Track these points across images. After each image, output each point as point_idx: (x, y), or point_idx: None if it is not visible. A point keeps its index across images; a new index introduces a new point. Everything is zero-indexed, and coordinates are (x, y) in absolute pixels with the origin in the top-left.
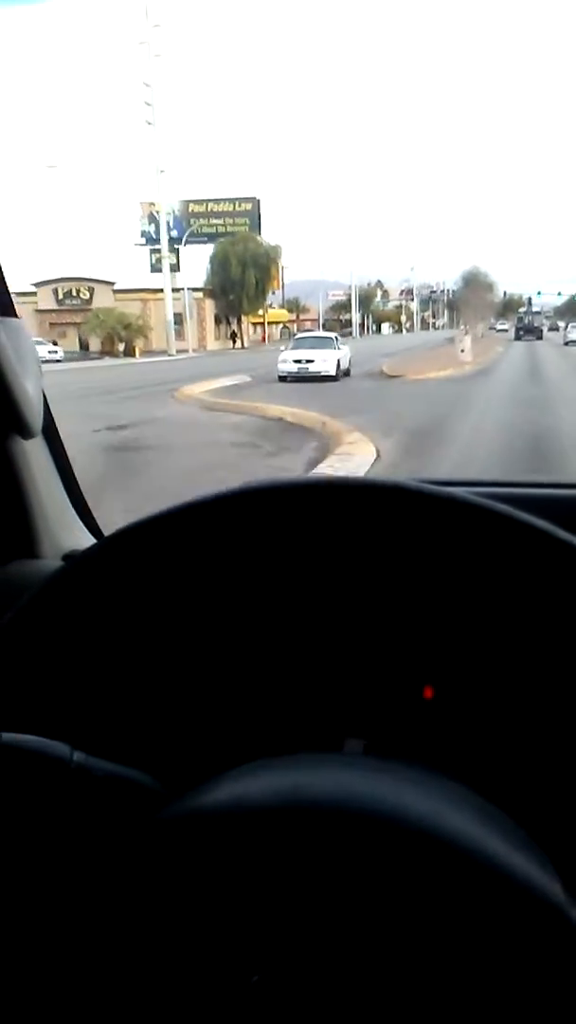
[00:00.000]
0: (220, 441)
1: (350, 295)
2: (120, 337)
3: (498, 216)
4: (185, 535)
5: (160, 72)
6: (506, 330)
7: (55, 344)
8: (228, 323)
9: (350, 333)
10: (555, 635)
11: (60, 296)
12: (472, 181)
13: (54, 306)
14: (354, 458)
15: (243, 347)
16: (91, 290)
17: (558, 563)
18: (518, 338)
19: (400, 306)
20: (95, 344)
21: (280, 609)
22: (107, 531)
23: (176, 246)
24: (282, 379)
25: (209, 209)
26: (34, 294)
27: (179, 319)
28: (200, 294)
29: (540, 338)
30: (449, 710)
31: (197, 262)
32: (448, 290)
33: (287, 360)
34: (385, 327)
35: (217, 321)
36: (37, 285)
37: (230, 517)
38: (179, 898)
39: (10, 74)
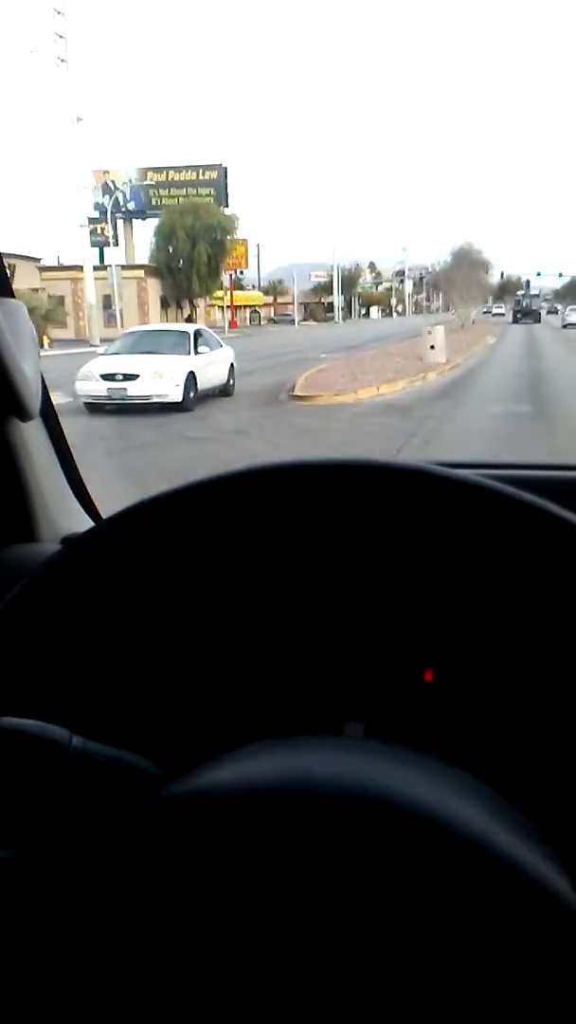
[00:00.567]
0: None
1: (332, 276)
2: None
3: (498, 195)
4: (183, 518)
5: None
6: (503, 314)
7: None
8: (179, 307)
9: (332, 317)
10: (557, 618)
11: None
12: (471, 159)
13: None
14: None
15: None
16: (12, 267)
17: (562, 544)
18: (515, 321)
19: (391, 288)
20: None
21: (280, 592)
22: (105, 514)
23: (135, 220)
24: (90, 409)
25: (170, 178)
26: None
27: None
28: (142, 272)
29: (538, 321)
30: (449, 694)
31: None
32: (434, 266)
33: (91, 376)
34: (376, 311)
35: (165, 304)
36: None
37: (227, 500)
38: (179, 880)
39: None
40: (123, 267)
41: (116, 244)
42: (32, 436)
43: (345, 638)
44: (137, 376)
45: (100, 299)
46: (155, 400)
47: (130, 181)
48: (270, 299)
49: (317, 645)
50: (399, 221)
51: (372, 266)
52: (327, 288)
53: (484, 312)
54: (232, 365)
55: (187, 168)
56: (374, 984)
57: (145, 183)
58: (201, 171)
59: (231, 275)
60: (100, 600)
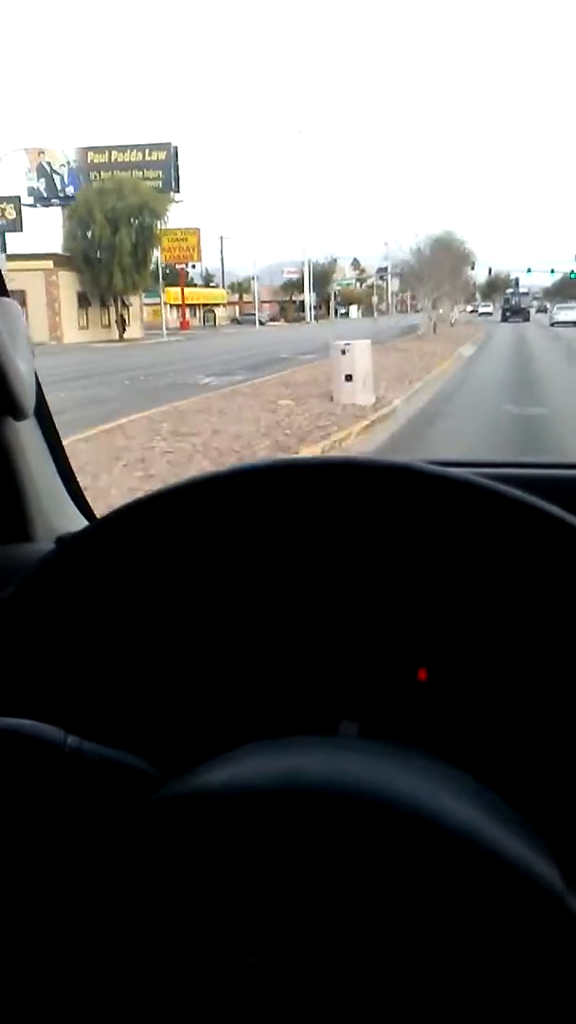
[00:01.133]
0: None
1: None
2: None
3: (487, 191)
4: (176, 518)
5: None
6: (490, 313)
7: None
8: (104, 305)
9: (303, 318)
10: (549, 616)
11: None
12: (462, 152)
13: None
14: None
15: (121, 338)
16: None
17: (554, 542)
18: (504, 319)
19: (372, 285)
20: None
21: (274, 591)
22: (100, 513)
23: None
24: None
25: (113, 159)
26: None
27: (23, 299)
28: (50, 263)
29: (527, 320)
30: (443, 693)
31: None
32: (415, 256)
33: None
34: (355, 310)
35: (84, 302)
36: None
37: (220, 499)
38: (175, 879)
39: None
40: (24, 257)
41: (20, 229)
42: (26, 435)
43: (340, 637)
44: None
45: None
46: None
47: (68, 163)
48: (236, 297)
49: (312, 644)
50: (386, 218)
51: (356, 263)
52: (298, 285)
53: (471, 311)
54: None
55: (132, 148)
56: (369, 980)
57: (86, 165)
58: (148, 151)
59: (182, 269)
60: (94, 599)
